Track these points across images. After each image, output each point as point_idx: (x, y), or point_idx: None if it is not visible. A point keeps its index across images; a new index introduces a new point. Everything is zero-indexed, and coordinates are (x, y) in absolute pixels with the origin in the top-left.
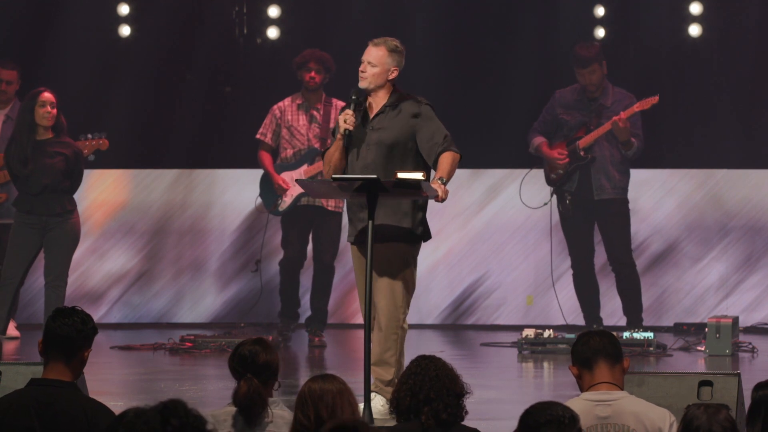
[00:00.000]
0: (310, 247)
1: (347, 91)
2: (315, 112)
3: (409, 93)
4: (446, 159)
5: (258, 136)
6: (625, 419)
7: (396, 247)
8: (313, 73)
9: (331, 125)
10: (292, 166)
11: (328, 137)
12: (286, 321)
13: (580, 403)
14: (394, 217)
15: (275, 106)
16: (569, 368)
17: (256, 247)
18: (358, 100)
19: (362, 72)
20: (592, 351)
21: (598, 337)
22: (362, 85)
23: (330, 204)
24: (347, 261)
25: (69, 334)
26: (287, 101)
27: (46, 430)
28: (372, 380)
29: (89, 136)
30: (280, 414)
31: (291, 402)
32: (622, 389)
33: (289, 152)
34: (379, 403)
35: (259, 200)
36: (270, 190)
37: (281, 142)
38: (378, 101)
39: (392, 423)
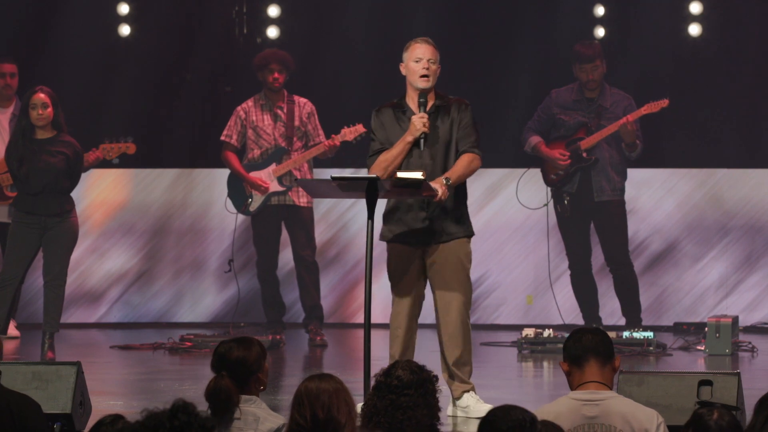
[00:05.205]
0: (286, 246)
1: (346, 91)
2: (279, 111)
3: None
4: (463, 161)
5: (222, 137)
6: (612, 419)
7: (461, 244)
8: (276, 74)
9: (296, 123)
10: (260, 165)
11: (293, 135)
12: (275, 323)
13: (567, 402)
14: (451, 216)
15: (239, 108)
16: (560, 364)
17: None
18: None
19: (426, 70)
20: (584, 349)
21: (590, 334)
22: (427, 84)
23: (302, 200)
24: (346, 260)
25: None
26: (250, 102)
27: None
28: (454, 385)
29: (115, 139)
30: (251, 411)
31: (288, 401)
32: (611, 389)
33: (257, 152)
34: (473, 400)
35: (229, 201)
36: (239, 190)
37: (247, 142)
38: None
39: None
